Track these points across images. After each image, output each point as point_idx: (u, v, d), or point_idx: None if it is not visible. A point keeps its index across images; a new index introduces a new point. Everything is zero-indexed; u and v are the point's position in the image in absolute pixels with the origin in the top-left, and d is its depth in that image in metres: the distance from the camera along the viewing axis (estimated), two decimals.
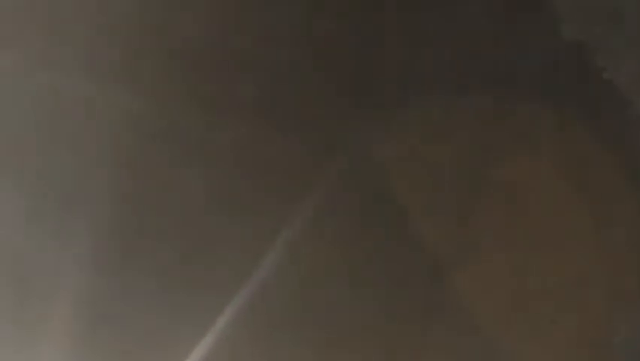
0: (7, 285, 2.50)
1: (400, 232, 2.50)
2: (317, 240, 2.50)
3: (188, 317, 2.47)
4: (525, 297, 2.46)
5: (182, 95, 2.59)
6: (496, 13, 2.61)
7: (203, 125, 2.57)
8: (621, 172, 2.51)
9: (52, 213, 2.53)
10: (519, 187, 2.52)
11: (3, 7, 2.59)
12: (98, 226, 2.51)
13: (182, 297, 2.50)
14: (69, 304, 2.48)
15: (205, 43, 2.61)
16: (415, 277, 2.48)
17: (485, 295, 2.46)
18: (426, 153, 2.55)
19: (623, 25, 2.57)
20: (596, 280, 2.46)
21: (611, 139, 2.53)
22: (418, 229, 2.49)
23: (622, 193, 2.51)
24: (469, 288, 2.46)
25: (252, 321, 2.46)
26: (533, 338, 2.44)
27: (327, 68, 2.60)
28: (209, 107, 2.59)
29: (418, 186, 2.53)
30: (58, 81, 2.56)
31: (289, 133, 2.57)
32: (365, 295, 2.49)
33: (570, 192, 2.51)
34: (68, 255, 2.50)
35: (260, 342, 2.48)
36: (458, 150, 2.55)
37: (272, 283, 2.46)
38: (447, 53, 2.60)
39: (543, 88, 2.56)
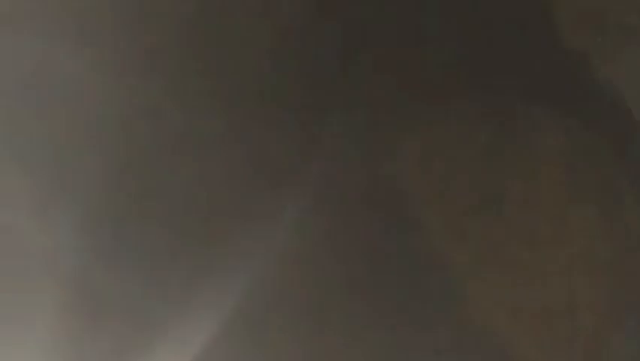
0: None
1: (396, 227, 2.49)
2: (310, 235, 2.49)
3: (184, 308, 2.45)
4: (529, 306, 2.45)
5: (181, 89, 2.60)
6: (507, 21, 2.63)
7: (197, 117, 2.57)
8: (624, 179, 2.52)
9: (46, 200, 2.52)
10: (526, 196, 2.52)
11: None
12: (91, 214, 2.50)
13: (177, 289, 2.47)
14: (62, 294, 2.46)
15: (200, 36, 2.62)
16: (411, 274, 2.46)
17: (487, 297, 2.45)
18: (428, 155, 2.56)
19: (628, 36, 2.59)
20: (597, 281, 2.45)
21: (615, 147, 2.54)
22: (415, 223, 2.48)
23: (624, 199, 2.51)
24: (472, 286, 2.45)
25: (247, 316, 2.44)
26: (532, 338, 2.42)
27: (319, 60, 2.61)
28: (203, 99, 2.59)
29: (417, 181, 2.53)
30: (57, 69, 2.58)
31: (280, 127, 2.57)
32: (360, 292, 2.46)
33: (576, 200, 2.51)
34: (60, 243, 2.48)
35: (255, 336, 2.45)
36: (464, 154, 2.56)
37: (267, 275, 2.45)
38: (454, 58, 2.62)
39: (551, 95, 2.58)
